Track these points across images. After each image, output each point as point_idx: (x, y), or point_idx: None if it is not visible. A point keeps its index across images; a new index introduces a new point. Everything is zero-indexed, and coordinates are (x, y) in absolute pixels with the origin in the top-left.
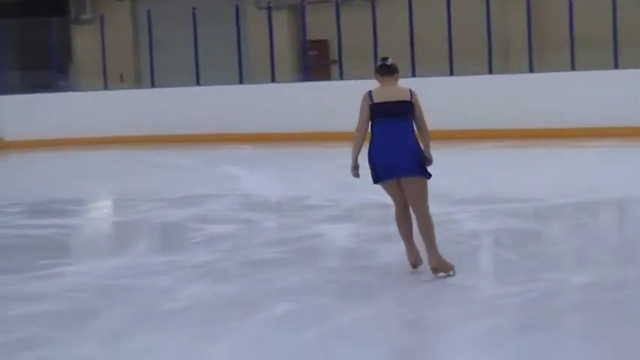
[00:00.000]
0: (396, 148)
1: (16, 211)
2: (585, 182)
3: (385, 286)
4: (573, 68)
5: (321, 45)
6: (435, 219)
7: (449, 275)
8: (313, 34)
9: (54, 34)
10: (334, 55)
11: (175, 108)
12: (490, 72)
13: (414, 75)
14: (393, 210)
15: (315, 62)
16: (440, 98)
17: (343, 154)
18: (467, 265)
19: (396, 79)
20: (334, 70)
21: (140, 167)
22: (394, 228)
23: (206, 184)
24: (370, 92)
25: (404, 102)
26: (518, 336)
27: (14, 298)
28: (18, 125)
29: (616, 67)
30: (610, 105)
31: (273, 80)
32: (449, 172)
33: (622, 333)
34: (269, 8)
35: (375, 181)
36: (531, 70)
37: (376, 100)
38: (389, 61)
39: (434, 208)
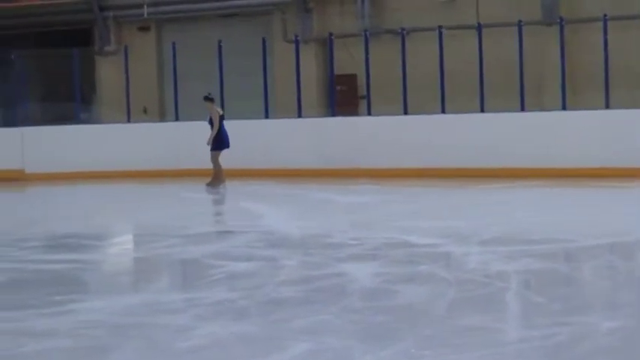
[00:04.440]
0: (227, 135)
1: (33, 246)
2: (617, 223)
3: (407, 328)
4: (607, 106)
5: (350, 79)
6: (460, 259)
7: None
8: (341, 68)
9: (77, 65)
10: (362, 90)
11: (199, 142)
12: (522, 109)
13: (443, 111)
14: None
15: (343, 97)
16: (469, 135)
17: (371, 191)
18: (493, 307)
19: None
20: (362, 105)
21: (162, 202)
22: (418, 268)
23: (228, 220)
24: (217, 109)
25: (224, 115)
26: None
27: (26, 334)
28: (39, 157)
29: None
30: None
31: (299, 115)
32: (478, 211)
33: None
34: (296, 41)
35: (220, 149)
36: (564, 108)
37: (220, 113)
38: (212, 95)
39: (460, 249)
